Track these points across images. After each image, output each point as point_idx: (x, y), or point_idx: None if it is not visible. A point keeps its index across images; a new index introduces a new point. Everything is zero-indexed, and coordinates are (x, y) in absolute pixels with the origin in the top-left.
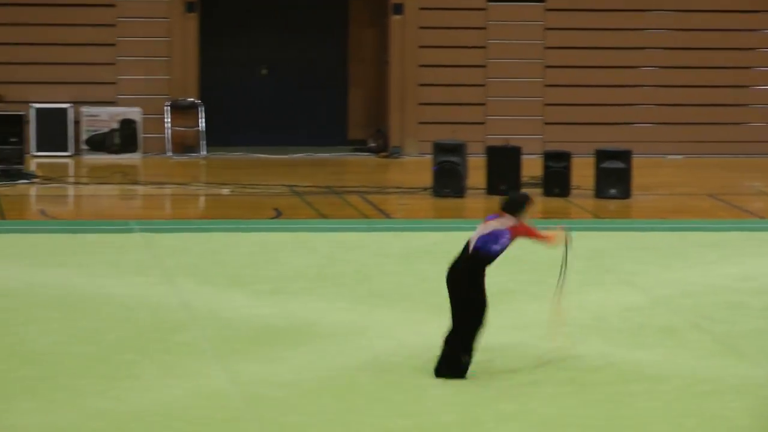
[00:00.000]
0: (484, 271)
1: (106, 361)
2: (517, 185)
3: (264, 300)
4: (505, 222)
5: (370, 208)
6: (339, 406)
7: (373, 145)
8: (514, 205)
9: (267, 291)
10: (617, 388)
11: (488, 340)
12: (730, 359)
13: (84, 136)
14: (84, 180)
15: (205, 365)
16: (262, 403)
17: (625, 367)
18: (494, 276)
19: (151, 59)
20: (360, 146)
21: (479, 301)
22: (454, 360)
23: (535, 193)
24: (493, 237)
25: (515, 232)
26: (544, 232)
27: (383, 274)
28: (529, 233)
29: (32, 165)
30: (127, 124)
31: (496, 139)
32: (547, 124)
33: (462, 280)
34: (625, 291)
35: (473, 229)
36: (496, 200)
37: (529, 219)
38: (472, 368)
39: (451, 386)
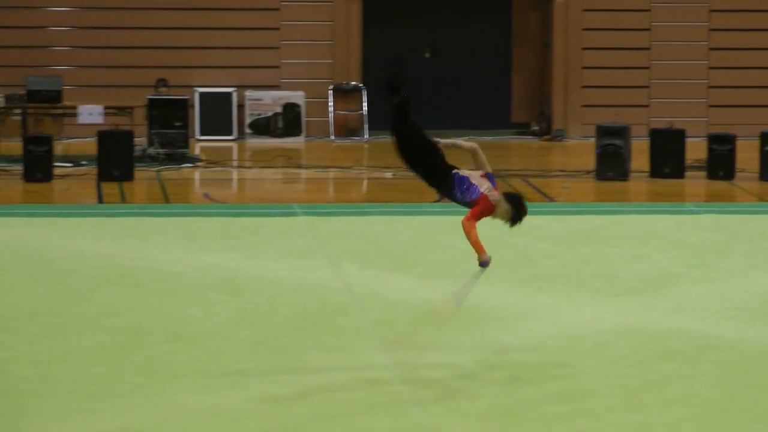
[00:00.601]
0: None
1: (270, 345)
2: (680, 168)
3: (426, 283)
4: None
5: (533, 192)
6: (501, 390)
7: (536, 128)
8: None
9: (429, 274)
10: None
11: (651, 324)
12: None
13: (247, 120)
14: (247, 164)
15: (368, 348)
16: (425, 386)
17: None
18: (658, 260)
19: (314, 43)
20: (523, 129)
21: None
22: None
23: (699, 176)
24: (471, 190)
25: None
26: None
27: (545, 258)
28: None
29: (196, 149)
30: (291, 108)
31: (660, 122)
32: (711, 106)
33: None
34: None
35: (636, 212)
36: (660, 183)
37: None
38: (635, 352)
39: (613, 369)
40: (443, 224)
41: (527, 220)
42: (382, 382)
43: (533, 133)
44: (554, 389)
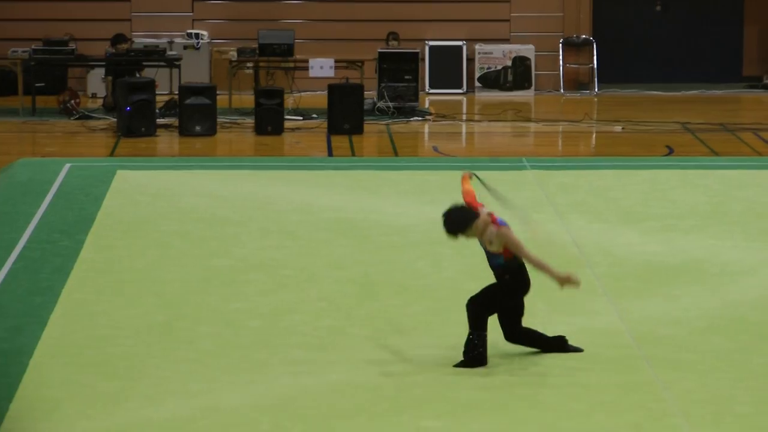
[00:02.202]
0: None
1: None
2: None
3: (654, 237)
4: None
5: (764, 146)
6: (729, 346)
7: (767, 81)
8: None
9: (658, 228)
10: None
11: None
12: None
13: (477, 74)
14: (476, 117)
15: (596, 302)
16: (652, 340)
17: None
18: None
19: None
20: (755, 83)
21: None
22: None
23: None
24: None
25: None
26: None
27: None
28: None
29: (426, 102)
30: (521, 62)
31: None
32: None
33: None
34: None
35: None
36: None
37: None
38: None
39: None
40: (673, 178)
41: (757, 174)
42: (611, 335)
43: (765, 87)
44: None
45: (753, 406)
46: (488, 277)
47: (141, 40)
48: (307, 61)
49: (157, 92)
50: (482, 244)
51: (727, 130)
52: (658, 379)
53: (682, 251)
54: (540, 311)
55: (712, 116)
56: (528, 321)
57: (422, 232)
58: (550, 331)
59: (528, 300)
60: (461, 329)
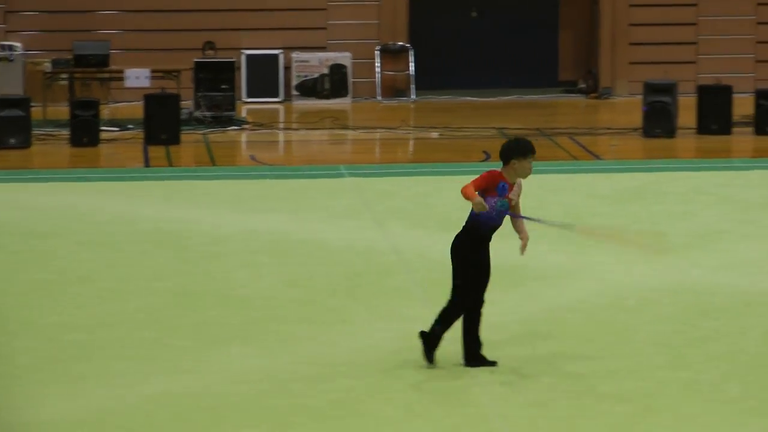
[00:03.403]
0: (477, 244)
1: (317, 306)
2: (728, 124)
3: None
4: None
5: (580, 150)
6: (548, 349)
7: (583, 86)
8: (504, 153)
9: None
10: None
11: (697, 280)
12: None
13: (294, 82)
14: (294, 125)
15: (414, 309)
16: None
17: None
18: (705, 217)
19: (361, 4)
20: (570, 87)
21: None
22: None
23: (747, 132)
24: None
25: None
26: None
27: (593, 216)
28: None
29: (243, 111)
30: (337, 69)
31: (708, 78)
32: (759, 62)
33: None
34: None
35: (684, 169)
36: (707, 140)
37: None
38: (681, 309)
39: (660, 326)
40: None
41: (574, 178)
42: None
43: (580, 91)
44: (600, 347)
45: (570, 410)
46: (311, 286)
47: None
48: (122, 72)
49: None
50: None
51: (544, 134)
52: (475, 384)
53: (501, 256)
54: (359, 318)
55: (528, 121)
56: (347, 329)
57: (241, 241)
58: (370, 337)
59: (348, 306)
60: (281, 339)
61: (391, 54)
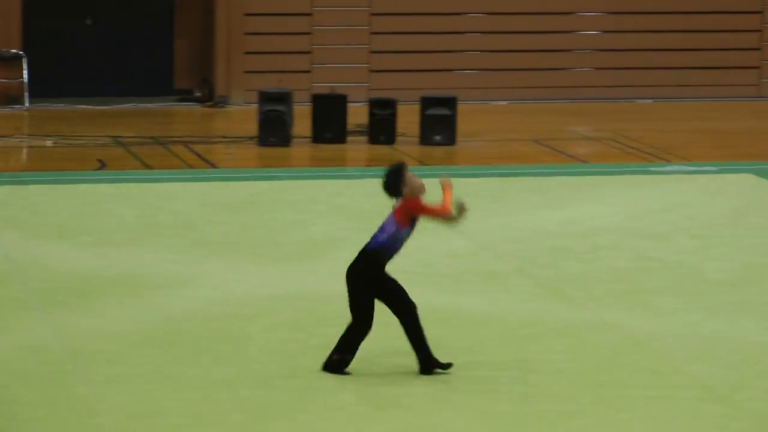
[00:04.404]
0: (379, 270)
1: None
2: (342, 133)
3: (89, 251)
4: (395, 207)
5: (196, 158)
6: (164, 357)
7: (198, 94)
8: (388, 185)
9: (92, 243)
10: (441, 332)
11: (314, 288)
12: (553, 303)
13: None
14: None
15: (29, 318)
16: (87, 355)
17: (449, 312)
18: (321, 225)
19: None
20: (186, 96)
21: (366, 307)
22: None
23: (361, 141)
24: (380, 228)
25: (401, 213)
26: (432, 205)
27: (209, 224)
28: (417, 209)
29: None
30: None
31: (322, 88)
32: (372, 71)
33: (356, 279)
34: (450, 237)
35: (299, 178)
36: (322, 149)
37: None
38: (298, 317)
39: (277, 334)
40: (106, 192)
41: (189, 187)
42: (45, 351)
43: (196, 100)
44: (217, 356)
45: (188, 417)
46: None
47: None
48: None
49: None
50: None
51: (159, 143)
52: (92, 394)
53: (117, 265)
54: None
55: (144, 130)
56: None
57: None
58: None
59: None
60: None
61: (4, 61)
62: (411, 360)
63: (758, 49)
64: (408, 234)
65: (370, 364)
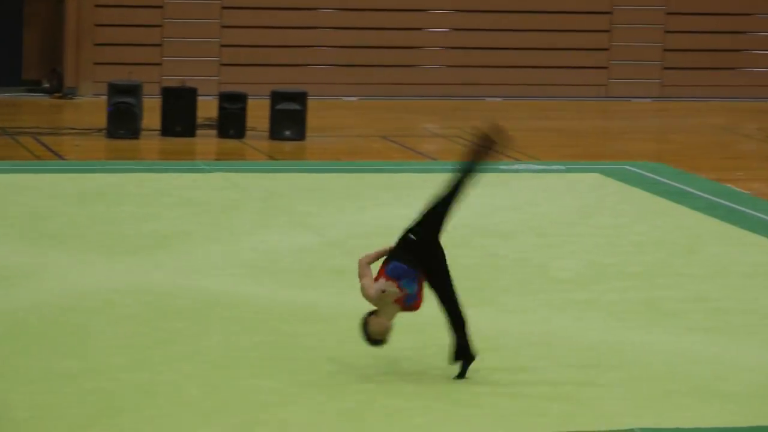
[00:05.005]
0: None
1: None
2: (192, 126)
3: None
4: None
5: (43, 150)
6: (7, 350)
7: (47, 85)
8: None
9: None
10: (288, 328)
11: (160, 282)
12: None
13: None
14: None
15: None
16: None
17: (297, 308)
18: (169, 218)
19: None
20: (34, 86)
21: None
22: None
23: (211, 134)
24: None
25: None
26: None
27: (56, 216)
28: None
29: None
30: None
31: (173, 81)
32: (223, 65)
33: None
34: (299, 232)
35: (148, 170)
36: (171, 142)
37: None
38: (144, 310)
39: (122, 328)
40: None
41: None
42: None
43: (44, 91)
44: (61, 348)
45: (32, 411)
46: None
47: None
48: None
49: None
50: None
51: (7, 134)
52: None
53: None
54: None
55: None
56: None
57: None
58: None
59: None
60: None
61: None
62: (270, 356)
63: (607, 49)
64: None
65: (225, 359)
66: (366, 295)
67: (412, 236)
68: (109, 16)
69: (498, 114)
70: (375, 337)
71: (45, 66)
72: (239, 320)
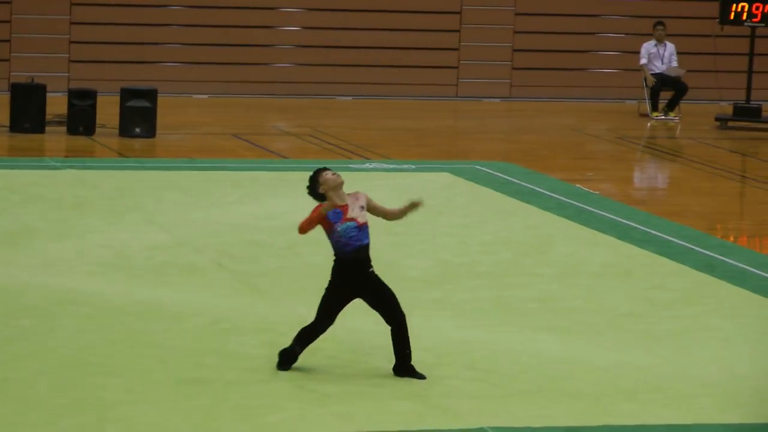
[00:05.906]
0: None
1: None
2: (41, 123)
3: None
4: None
5: None
6: None
7: None
8: (308, 191)
9: None
10: (139, 326)
11: (9, 279)
12: (251, 298)
13: None
14: None
15: None
16: None
17: (148, 306)
18: (18, 215)
19: None
20: None
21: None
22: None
23: (60, 131)
24: None
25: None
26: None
27: None
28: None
29: None
30: None
31: (21, 77)
32: (72, 61)
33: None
34: (149, 229)
35: None
36: (20, 138)
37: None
38: None
39: None
40: None
41: None
42: None
43: None
44: None
45: None
46: None
47: None
48: None
49: None
50: None
51: None
52: None
53: None
54: None
55: None
56: None
57: None
58: None
59: None
60: None
61: None
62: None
63: (457, 49)
64: (342, 231)
65: (75, 357)
66: (303, 221)
67: None
68: None
69: (349, 113)
70: (320, 187)
71: None
72: (90, 318)
